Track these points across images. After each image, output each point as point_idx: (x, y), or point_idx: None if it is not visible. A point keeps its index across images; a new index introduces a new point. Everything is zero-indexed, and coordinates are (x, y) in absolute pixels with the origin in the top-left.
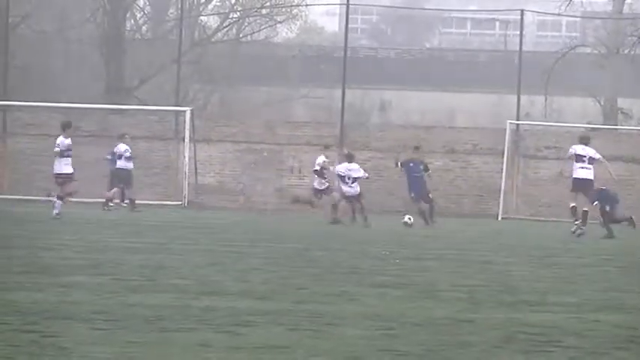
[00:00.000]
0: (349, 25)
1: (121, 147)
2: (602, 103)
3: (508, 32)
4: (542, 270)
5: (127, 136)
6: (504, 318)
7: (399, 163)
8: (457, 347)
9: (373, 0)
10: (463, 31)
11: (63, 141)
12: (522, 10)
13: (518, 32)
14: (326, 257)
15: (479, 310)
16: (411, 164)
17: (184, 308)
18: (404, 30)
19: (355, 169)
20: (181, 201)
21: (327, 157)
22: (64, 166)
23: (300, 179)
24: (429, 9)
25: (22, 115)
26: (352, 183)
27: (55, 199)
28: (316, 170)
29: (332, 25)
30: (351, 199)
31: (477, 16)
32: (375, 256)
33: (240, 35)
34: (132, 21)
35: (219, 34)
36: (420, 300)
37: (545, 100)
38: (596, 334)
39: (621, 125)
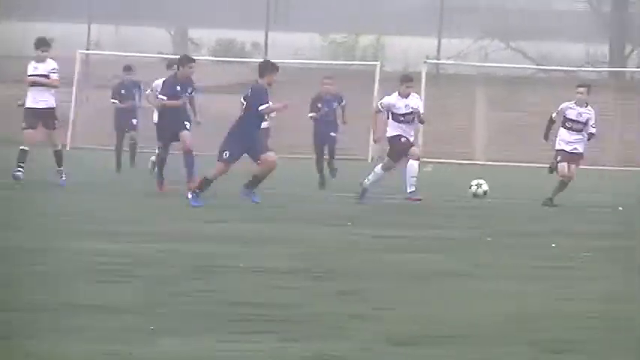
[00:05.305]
0: None
1: None
2: (172, 33)
3: None
4: (114, 201)
5: None
6: (81, 247)
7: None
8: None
9: None
10: None
11: None
12: None
13: None
14: None
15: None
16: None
17: None
18: None
19: None
20: None
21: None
22: None
23: None
24: None
25: None
26: None
27: None
28: None
29: None
30: None
31: None
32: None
33: None
34: None
35: None
36: None
37: (116, 29)
38: (170, 264)
39: (194, 55)
